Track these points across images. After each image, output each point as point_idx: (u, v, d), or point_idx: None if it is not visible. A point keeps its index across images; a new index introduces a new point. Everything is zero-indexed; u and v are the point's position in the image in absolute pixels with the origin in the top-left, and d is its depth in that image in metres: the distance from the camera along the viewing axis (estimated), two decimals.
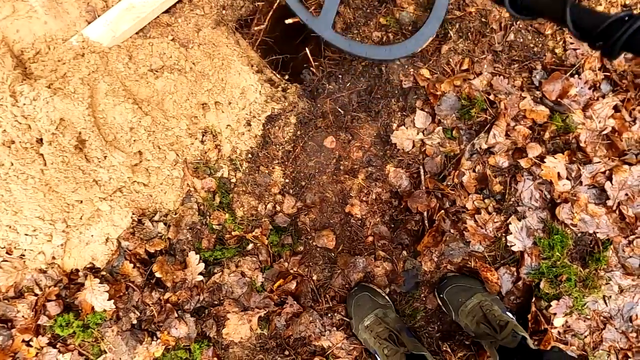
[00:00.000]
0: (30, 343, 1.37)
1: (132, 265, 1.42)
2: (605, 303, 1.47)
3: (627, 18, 0.48)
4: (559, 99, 1.45)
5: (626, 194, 1.41)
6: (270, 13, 1.60)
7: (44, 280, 1.40)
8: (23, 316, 1.37)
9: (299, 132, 1.49)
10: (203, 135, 1.46)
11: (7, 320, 1.37)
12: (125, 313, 1.41)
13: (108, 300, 1.38)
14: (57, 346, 1.39)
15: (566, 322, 1.46)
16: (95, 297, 1.38)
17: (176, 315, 1.42)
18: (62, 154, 1.24)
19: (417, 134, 1.48)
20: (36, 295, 1.39)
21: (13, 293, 1.38)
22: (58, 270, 1.41)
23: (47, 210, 1.33)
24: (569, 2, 0.54)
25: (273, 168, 1.48)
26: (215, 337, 1.46)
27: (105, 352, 1.40)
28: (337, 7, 1.28)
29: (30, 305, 1.37)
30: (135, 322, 1.42)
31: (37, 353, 1.37)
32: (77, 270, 1.43)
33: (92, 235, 1.41)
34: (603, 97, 1.45)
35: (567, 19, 0.53)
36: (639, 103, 1.46)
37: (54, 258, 1.41)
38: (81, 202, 1.36)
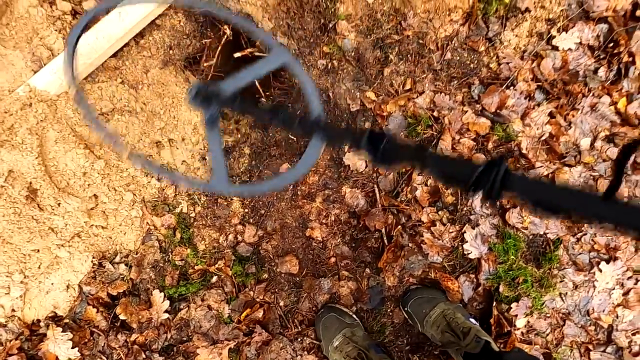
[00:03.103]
0: None
1: (95, 309, 1.41)
2: (562, 300, 1.54)
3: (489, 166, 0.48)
4: (498, 110, 1.53)
5: None
6: (219, 48, 1.65)
7: (4, 334, 1.37)
8: None
9: (254, 162, 1.53)
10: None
11: None
12: (91, 359, 1.39)
13: (72, 348, 1.36)
14: None
15: (528, 322, 1.52)
16: (59, 346, 1.36)
17: (144, 356, 1.41)
18: (13, 205, 1.24)
19: None
20: None
21: None
22: (18, 323, 1.38)
23: (3, 263, 1.31)
24: (429, 153, 0.54)
25: (231, 199, 1.50)
26: None
27: None
28: (224, 163, 1.41)
29: None
30: None
31: None
32: (39, 321, 1.41)
33: (52, 284, 1.40)
34: (538, 105, 1.54)
35: (432, 170, 0.53)
36: (572, 108, 1.55)
37: (13, 310, 1.38)
38: (38, 251, 1.35)
